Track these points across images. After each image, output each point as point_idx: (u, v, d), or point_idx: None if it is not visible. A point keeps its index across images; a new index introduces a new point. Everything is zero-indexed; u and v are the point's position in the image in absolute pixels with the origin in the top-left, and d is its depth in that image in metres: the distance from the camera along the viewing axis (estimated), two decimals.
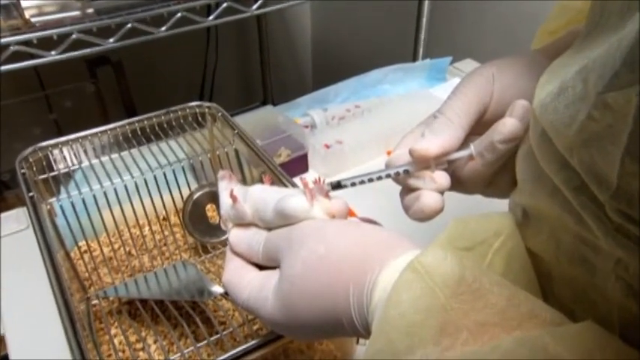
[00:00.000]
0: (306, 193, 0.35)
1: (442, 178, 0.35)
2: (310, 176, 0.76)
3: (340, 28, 1.77)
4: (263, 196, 0.37)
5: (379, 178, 0.37)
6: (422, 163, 0.36)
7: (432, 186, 0.35)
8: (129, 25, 0.74)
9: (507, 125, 0.33)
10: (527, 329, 0.25)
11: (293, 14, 1.85)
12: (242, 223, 0.38)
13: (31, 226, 0.65)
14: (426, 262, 0.27)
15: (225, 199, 0.39)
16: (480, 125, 0.37)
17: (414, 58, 1.15)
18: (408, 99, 0.89)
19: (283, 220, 0.35)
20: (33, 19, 0.70)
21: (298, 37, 1.92)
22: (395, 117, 0.86)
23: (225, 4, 0.81)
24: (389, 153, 0.84)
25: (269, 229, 0.37)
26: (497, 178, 0.37)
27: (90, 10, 0.74)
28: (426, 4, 1.06)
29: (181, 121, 0.65)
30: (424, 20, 1.07)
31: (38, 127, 1.44)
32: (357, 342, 0.50)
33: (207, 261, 0.61)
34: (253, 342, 0.43)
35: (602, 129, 0.20)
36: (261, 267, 0.37)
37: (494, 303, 0.26)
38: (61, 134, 0.60)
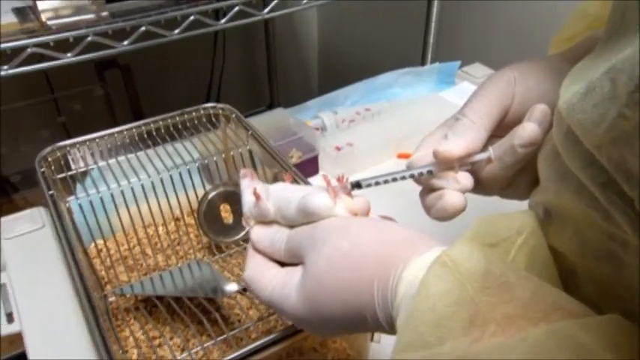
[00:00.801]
0: (328, 191, 0.36)
1: (466, 178, 0.36)
2: (318, 178, 0.77)
3: (347, 32, 1.79)
4: (285, 194, 0.38)
5: (403, 178, 0.38)
6: (446, 164, 0.36)
7: (456, 186, 0.36)
8: (143, 28, 0.75)
9: (527, 130, 0.34)
10: (553, 321, 0.26)
11: (300, 18, 1.86)
12: (264, 221, 0.39)
13: (52, 224, 0.66)
14: (454, 256, 0.28)
15: (247, 197, 0.39)
16: (500, 128, 0.38)
17: (423, 62, 1.16)
18: (417, 102, 0.90)
19: (306, 217, 0.36)
20: (49, 22, 0.71)
21: (305, 40, 1.93)
22: (405, 120, 0.87)
23: (237, 8, 0.82)
24: (399, 156, 0.85)
25: (291, 226, 0.38)
26: (514, 180, 0.38)
27: (104, 13, 0.75)
28: (435, 9, 1.07)
29: (195, 122, 0.66)
30: (433, 24, 1.08)
31: (47, 130, 1.45)
32: (372, 339, 0.50)
33: (220, 260, 0.62)
34: (268, 338, 0.44)
35: (633, 127, 0.21)
36: (282, 264, 0.38)
37: (520, 296, 0.26)
38: (69, 137, 0.61)
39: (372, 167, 0.82)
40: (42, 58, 0.70)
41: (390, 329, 0.31)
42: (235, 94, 1.87)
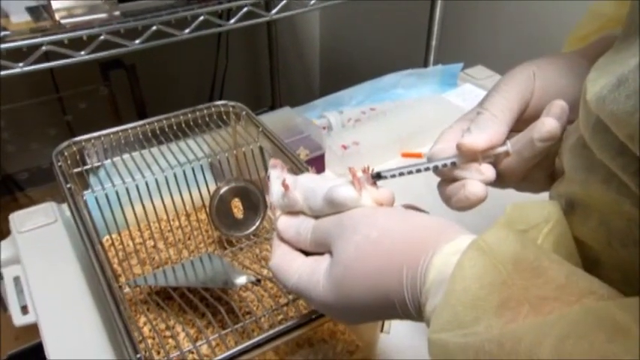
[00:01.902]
0: (354, 182, 0.37)
1: (489, 170, 0.38)
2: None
3: (349, 33, 1.80)
4: (312, 186, 0.39)
5: (427, 169, 0.39)
6: (469, 156, 0.38)
7: (480, 177, 0.37)
8: (154, 28, 0.77)
9: (547, 124, 0.35)
10: (586, 304, 0.27)
11: (302, 19, 1.88)
12: (291, 211, 0.40)
13: (64, 218, 0.68)
14: (489, 240, 0.29)
15: (276, 188, 0.41)
16: (519, 122, 0.39)
17: (425, 64, 1.17)
18: (421, 103, 0.92)
19: (333, 208, 0.37)
20: (63, 21, 0.73)
21: (307, 41, 1.95)
22: (409, 120, 0.88)
23: (245, 9, 0.83)
24: (403, 155, 0.87)
25: (316, 217, 0.39)
26: (531, 173, 0.39)
27: (117, 13, 0.77)
28: (438, 11, 1.09)
29: (206, 119, 0.67)
30: (436, 26, 1.10)
31: (53, 128, 1.46)
32: (382, 330, 0.52)
33: (231, 254, 0.63)
34: (281, 327, 0.45)
35: None
36: (306, 254, 0.39)
37: (553, 279, 0.28)
38: (74, 136, 0.62)
39: (378, 165, 0.83)
40: (53, 56, 0.71)
41: (418, 315, 0.33)
42: (238, 94, 1.88)
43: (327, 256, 0.37)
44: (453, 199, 0.38)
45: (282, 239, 0.40)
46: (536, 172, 0.39)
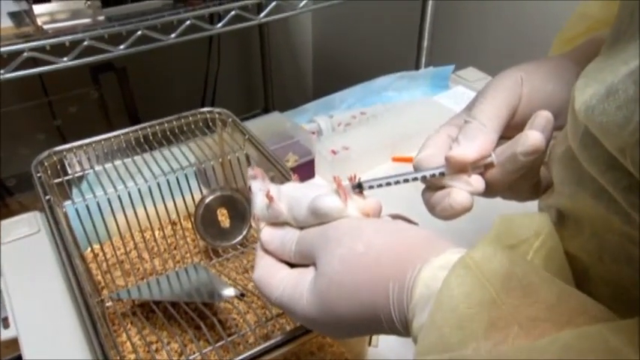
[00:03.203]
0: (339, 191, 0.36)
1: (478, 181, 0.36)
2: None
3: (341, 36, 1.79)
4: (296, 195, 0.38)
5: (414, 179, 0.37)
6: (458, 168, 0.36)
7: (468, 188, 0.36)
8: (139, 32, 0.75)
9: (530, 138, 0.34)
10: (578, 325, 0.26)
11: (295, 21, 1.86)
12: (275, 222, 0.39)
13: (48, 228, 0.66)
14: (477, 257, 0.28)
15: (259, 199, 0.39)
16: (507, 128, 0.38)
17: (417, 66, 1.16)
18: (412, 106, 0.91)
19: (318, 219, 0.36)
20: (45, 27, 0.71)
21: (299, 44, 1.93)
22: (400, 124, 0.87)
23: (233, 12, 0.82)
24: (394, 159, 0.86)
25: (301, 227, 0.38)
26: (516, 183, 0.38)
27: (101, 17, 0.75)
28: (429, 12, 1.08)
29: (192, 126, 0.66)
30: (427, 27, 1.09)
31: (42, 133, 1.44)
32: (369, 344, 0.51)
33: (217, 264, 0.62)
34: (266, 344, 0.44)
35: None
36: (291, 265, 0.38)
37: (544, 298, 0.26)
38: (64, 140, 0.60)
39: (368, 171, 0.82)
40: (38, 61, 0.70)
41: (404, 331, 0.31)
42: (230, 97, 1.87)
43: (311, 269, 0.35)
44: (437, 208, 0.37)
45: (266, 251, 0.39)
46: (521, 182, 0.38)
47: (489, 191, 0.38)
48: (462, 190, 0.36)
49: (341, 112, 0.91)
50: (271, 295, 0.37)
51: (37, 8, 0.71)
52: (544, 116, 0.35)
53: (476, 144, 0.36)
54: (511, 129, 0.38)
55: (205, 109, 0.66)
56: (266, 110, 1.87)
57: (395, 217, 0.37)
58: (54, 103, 1.46)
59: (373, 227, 0.34)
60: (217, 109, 0.67)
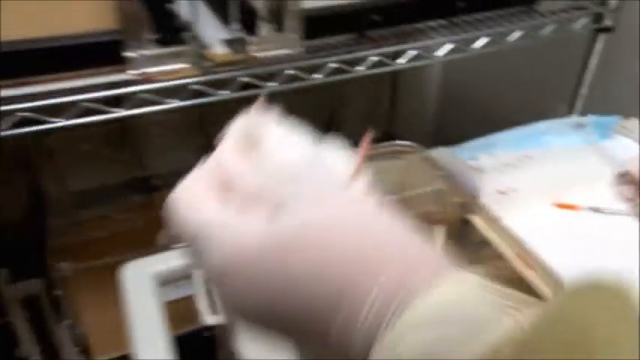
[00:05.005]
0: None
1: None
2: None
3: (473, 79, 1.80)
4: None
5: None
6: None
7: None
8: (333, 65, 0.83)
9: None
10: None
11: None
12: None
13: None
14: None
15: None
16: None
17: (570, 113, 1.16)
18: (576, 152, 0.92)
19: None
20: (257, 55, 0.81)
21: (428, 85, 1.96)
22: (562, 169, 0.88)
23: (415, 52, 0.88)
24: (559, 205, 0.86)
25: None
26: None
27: (301, 49, 0.84)
28: (595, 57, 1.08)
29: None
30: (590, 72, 1.08)
31: None
32: None
33: None
34: None
35: None
36: None
37: None
38: None
39: (528, 213, 0.84)
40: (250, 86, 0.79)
41: (350, 345, 0.25)
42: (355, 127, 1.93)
43: (265, 207, 0.27)
44: None
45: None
46: None
47: None
48: None
49: (503, 153, 0.93)
50: (199, 212, 0.28)
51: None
52: None
53: None
54: None
55: (398, 143, 0.72)
56: (392, 138, 1.92)
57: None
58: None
59: (388, 214, 0.28)
60: (404, 142, 0.73)
